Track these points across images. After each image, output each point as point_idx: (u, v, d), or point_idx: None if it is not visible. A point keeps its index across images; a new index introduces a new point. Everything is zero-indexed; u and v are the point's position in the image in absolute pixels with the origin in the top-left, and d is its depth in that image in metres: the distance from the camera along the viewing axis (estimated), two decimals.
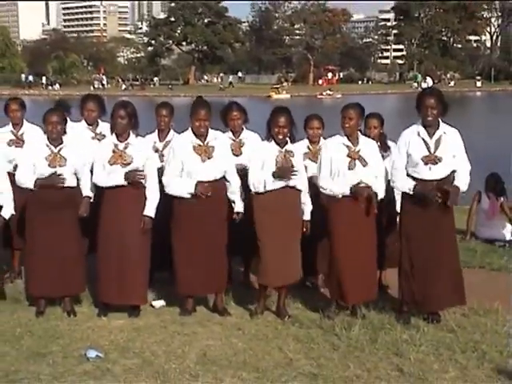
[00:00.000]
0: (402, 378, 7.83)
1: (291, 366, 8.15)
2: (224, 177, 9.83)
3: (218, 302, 10.09)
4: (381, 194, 9.61)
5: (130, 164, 9.62)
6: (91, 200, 9.91)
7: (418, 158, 9.30)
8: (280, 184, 9.49)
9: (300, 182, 9.64)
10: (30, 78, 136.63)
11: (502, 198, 14.61)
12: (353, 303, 9.75)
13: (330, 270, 9.89)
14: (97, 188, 9.88)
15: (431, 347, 8.65)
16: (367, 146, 9.70)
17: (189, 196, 9.58)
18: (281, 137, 9.57)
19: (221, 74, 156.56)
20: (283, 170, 9.45)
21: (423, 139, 9.35)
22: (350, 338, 8.92)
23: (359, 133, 9.79)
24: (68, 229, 9.87)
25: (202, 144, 9.73)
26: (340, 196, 9.51)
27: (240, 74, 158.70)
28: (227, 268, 10.12)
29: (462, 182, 9.34)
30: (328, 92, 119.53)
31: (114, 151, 9.68)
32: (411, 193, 9.30)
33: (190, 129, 9.81)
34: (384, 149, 10.10)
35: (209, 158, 9.70)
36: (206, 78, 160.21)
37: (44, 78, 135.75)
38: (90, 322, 9.70)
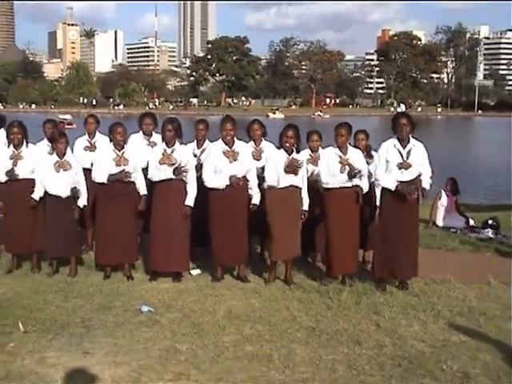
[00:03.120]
0: (378, 330, 7.85)
1: (295, 321, 8.14)
2: (245, 176, 9.80)
3: (240, 272, 10.08)
4: (365, 190, 9.61)
5: (174, 165, 9.63)
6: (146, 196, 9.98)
7: (394, 164, 9.32)
8: (287, 182, 9.51)
9: (301, 181, 9.67)
10: (94, 101, 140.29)
11: (456, 197, 14.96)
12: (339, 274, 9.79)
13: (326, 250, 9.90)
14: (150, 182, 9.89)
15: (401, 308, 8.67)
16: (354, 155, 9.74)
17: (223, 187, 9.59)
18: (288, 145, 9.58)
19: (242, 98, 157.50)
20: (292, 165, 9.47)
21: (398, 150, 9.36)
22: (340, 300, 8.91)
23: (348, 145, 9.78)
24: (127, 213, 9.89)
25: (229, 149, 9.72)
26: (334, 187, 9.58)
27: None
28: (248, 246, 10.09)
29: (426, 182, 9.43)
30: (319, 113, 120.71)
31: (163, 154, 9.69)
32: (392, 189, 9.27)
33: (220, 138, 9.80)
34: (369, 156, 10.10)
35: (235, 160, 9.69)
36: (233, 101, 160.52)
37: (111, 100, 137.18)
38: (143, 284, 9.72)
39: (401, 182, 9.28)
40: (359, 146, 10.28)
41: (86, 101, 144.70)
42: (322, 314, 8.40)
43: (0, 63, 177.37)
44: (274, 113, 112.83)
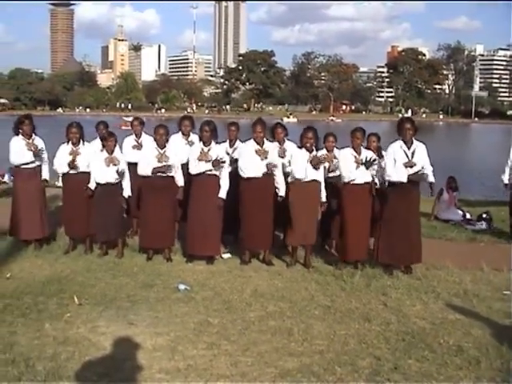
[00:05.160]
0: (385, 309, 7.83)
1: (313, 300, 8.12)
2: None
3: (265, 256, 10.07)
4: (377, 185, 9.65)
5: (210, 161, 9.62)
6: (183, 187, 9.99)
7: (400, 163, 9.30)
8: (311, 176, 9.53)
9: (320, 176, 9.66)
10: (129, 105, 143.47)
11: (455, 193, 14.85)
12: (352, 260, 9.75)
13: (340, 238, 9.88)
14: (188, 176, 9.90)
15: (405, 290, 8.65)
16: (367, 155, 9.67)
17: (260, 175, 9.61)
18: (308, 145, 9.59)
19: (260, 104, 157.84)
20: (316, 159, 9.52)
21: (404, 151, 9.36)
22: (353, 282, 8.90)
23: (362, 146, 9.75)
24: (167, 203, 9.91)
25: (260, 148, 9.72)
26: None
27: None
28: (273, 233, 10.07)
29: (431, 177, 9.45)
30: (332, 118, 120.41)
31: (201, 152, 9.69)
32: (405, 181, 9.26)
33: (252, 138, 9.80)
34: (380, 157, 10.04)
35: (266, 158, 9.69)
36: (261, 106, 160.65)
37: (155, 105, 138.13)
38: (180, 266, 9.73)
39: (410, 174, 9.29)
40: (371, 147, 10.23)
41: (123, 105, 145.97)
42: (336, 295, 8.38)
43: (61, 73, 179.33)
44: (288, 117, 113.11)
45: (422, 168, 9.33)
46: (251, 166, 9.61)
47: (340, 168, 9.73)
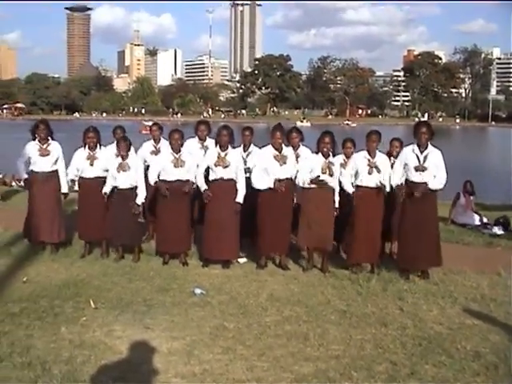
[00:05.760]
0: (402, 314, 7.79)
1: (329, 305, 8.10)
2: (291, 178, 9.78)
3: (281, 260, 10.05)
4: (387, 190, 9.58)
5: (228, 166, 9.64)
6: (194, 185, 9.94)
7: (411, 166, 9.30)
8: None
9: (334, 183, 9.63)
10: (143, 110, 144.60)
11: (472, 197, 14.76)
12: (355, 262, 9.75)
13: (348, 240, 9.92)
14: (205, 180, 9.87)
15: (422, 294, 8.61)
16: (381, 159, 9.71)
17: (268, 188, 9.58)
18: (325, 150, 9.55)
19: (273, 108, 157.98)
20: (317, 182, 9.47)
21: (416, 154, 9.33)
22: (369, 287, 8.87)
23: (377, 150, 9.75)
24: (183, 208, 9.92)
25: (279, 154, 9.71)
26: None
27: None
28: (289, 238, 10.04)
29: (436, 183, 9.30)
30: (347, 122, 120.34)
31: (218, 157, 9.70)
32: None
33: (270, 144, 9.79)
34: None
35: (284, 163, 9.68)
36: (276, 110, 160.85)
37: (171, 110, 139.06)
38: (196, 270, 9.74)
39: (417, 183, 9.25)
40: (393, 152, 10.22)
41: (136, 110, 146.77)
42: (352, 299, 8.36)
43: (77, 78, 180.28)
44: (302, 121, 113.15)
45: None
46: (264, 179, 9.61)
47: (351, 172, 9.70)
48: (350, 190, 9.58)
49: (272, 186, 9.56)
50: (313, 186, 9.48)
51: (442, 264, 9.56)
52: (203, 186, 9.79)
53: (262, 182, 9.63)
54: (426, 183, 9.24)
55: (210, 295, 8.39)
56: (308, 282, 9.17)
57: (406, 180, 9.41)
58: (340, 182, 9.79)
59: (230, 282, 9.05)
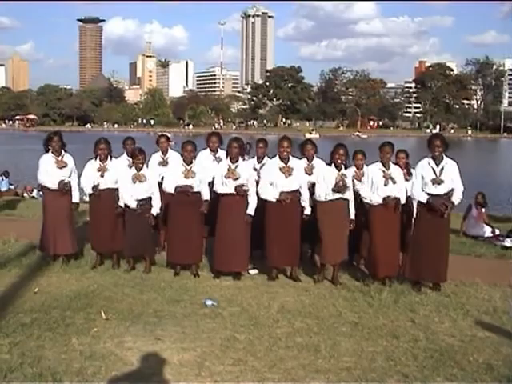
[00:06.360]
0: (413, 326, 7.77)
1: (340, 317, 8.08)
2: (298, 189, 9.77)
3: (293, 272, 10.05)
4: (403, 201, 9.59)
5: (238, 179, 9.65)
6: (208, 201, 9.95)
7: (428, 179, 9.29)
8: (336, 196, 9.49)
9: (349, 194, 9.62)
10: (152, 121, 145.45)
11: (484, 209, 14.79)
12: (382, 276, 9.67)
13: (368, 255, 9.88)
14: (215, 192, 9.92)
15: (434, 306, 8.59)
16: (396, 170, 9.74)
17: (274, 200, 9.59)
18: (340, 161, 9.58)
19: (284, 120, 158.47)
20: (339, 187, 9.43)
21: (432, 167, 9.32)
22: (381, 299, 8.84)
23: (390, 161, 9.76)
24: (194, 219, 9.91)
25: (285, 165, 9.71)
26: (376, 203, 9.55)
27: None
28: (300, 250, 10.03)
29: (456, 197, 9.33)
30: (358, 133, 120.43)
31: (228, 169, 9.72)
32: (424, 202, 9.25)
33: (277, 155, 9.80)
34: (408, 174, 10.01)
35: (290, 175, 9.67)
36: (288, 122, 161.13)
37: (182, 121, 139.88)
38: (208, 281, 9.74)
39: (434, 195, 9.23)
40: (399, 163, 10.20)
41: (144, 121, 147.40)
42: (364, 311, 8.34)
43: (89, 89, 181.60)
44: (310, 133, 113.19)
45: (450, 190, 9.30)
46: (270, 190, 9.63)
47: (368, 185, 9.70)
48: (374, 198, 9.54)
49: (278, 198, 9.58)
50: (330, 198, 9.49)
51: (445, 280, 9.53)
52: (207, 195, 9.93)
53: (268, 195, 9.66)
54: (446, 197, 9.26)
55: (221, 307, 8.39)
56: (319, 294, 9.16)
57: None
58: (356, 194, 9.82)
59: (241, 294, 9.05)
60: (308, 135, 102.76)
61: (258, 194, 9.79)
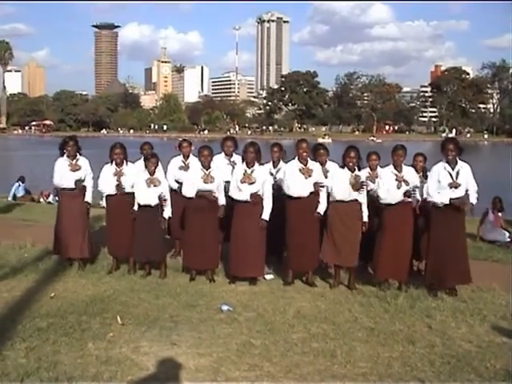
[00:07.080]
0: (430, 331, 7.75)
1: (356, 322, 8.07)
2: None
3: (309, 277, 10.04)
4: (417, 203, 9.71)
5: (254, 183, 9.67)
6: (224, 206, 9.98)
7: (445, 183, 9.28)
8: (352, 197, 9.51)
9: (362, 196, 9.63)
10: (165, 127, 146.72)
11: (501, 214, 14.77)
12: (383, 278, 9.76)
13: (374, 253, 9.85)
14: (229, 198, 9.95)
15: (450, 312, 8.55)
16: (408, 173, 9.77)
17: (306, 195, 9.64)
18: (351, 164, 9.59)
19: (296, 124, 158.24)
20: (357, 184, 9.47)
21: (448, 171, 9.33)
22: (397, 304, 8.81)
23: (403, 164, 9.80)
24: (211, 224, 9.93)
25: (304, 167, 9.74)
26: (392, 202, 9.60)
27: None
28: (318, 255, 9.98)
29: (473, 198, 9.40)
30: (372, 138, 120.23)
31: (244, 174, 9.75)
32: (446, 202, 9.23)
33: (296, 157, 9.83)
34: (425, 177, 9.99)
35: (310, 176, 9.71)
36: (304, 127, 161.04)
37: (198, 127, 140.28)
38: (223, 287, 9.75)
39: (452, 198, 9.23)
40: (417, 166, 10.23)
41: (156, 127, 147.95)
42: (380, 316, 8.32)
43: (105, 95, 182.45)
44: (323, 138, 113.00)
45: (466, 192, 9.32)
46: (296, 185, 9.64)
47: (380, 187, 9.71)
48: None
49: (304, 195, 9.64)
50: (343, 198, 9.51)
51: (471, 281, 9.50)
52: (223, 200, 9.96)
53: (294, 188, 9.66)
54: (464, 197, 9.29)
55: (237, 312, 8.39)
56: (335, 299, 9.15)
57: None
58: (369, 196, 9.83)
59: (256, 299, 9.06)
60: (320, 140, 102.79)
61: (274, 198, 9.81)
